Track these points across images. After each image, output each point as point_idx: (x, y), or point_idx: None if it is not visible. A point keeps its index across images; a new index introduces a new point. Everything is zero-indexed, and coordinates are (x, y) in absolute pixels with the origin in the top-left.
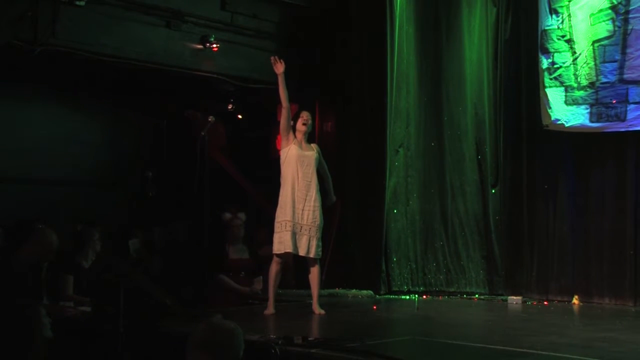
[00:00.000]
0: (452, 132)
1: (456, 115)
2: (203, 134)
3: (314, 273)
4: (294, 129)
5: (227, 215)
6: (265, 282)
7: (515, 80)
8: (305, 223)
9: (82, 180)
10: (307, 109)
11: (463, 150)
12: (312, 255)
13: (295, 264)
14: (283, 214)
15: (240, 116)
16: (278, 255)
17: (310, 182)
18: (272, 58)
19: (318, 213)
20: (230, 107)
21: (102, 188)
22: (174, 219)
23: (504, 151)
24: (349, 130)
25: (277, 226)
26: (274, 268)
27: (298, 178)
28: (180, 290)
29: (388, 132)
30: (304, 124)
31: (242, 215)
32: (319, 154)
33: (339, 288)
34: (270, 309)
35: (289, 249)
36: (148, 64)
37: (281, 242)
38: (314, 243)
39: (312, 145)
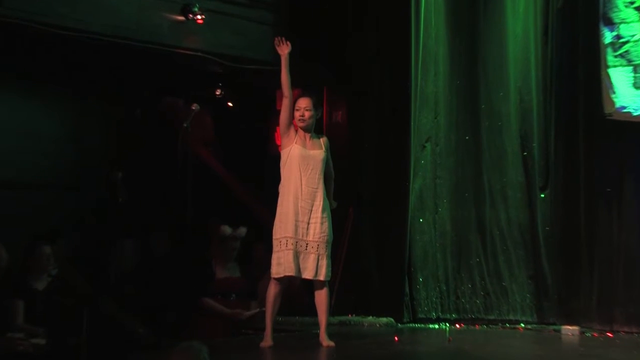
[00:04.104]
0: (491, 123)
1: (496, 103)
2: (185, 125)
3: (322, 297)
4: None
5: (227, 230)
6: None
7: (570, 59)
8: (311, 239)
9: (37, 182)
10: (313, 95)
11: (504, 146)
12: (322, 277)
13: (297, 286)
14: (283, 230)
15: (230, 104)
16: (277, 280)
17: (317, 189)
18: (276, 39)
19: (327, 226)
20: (218, 92)
21: (62, 192)
22: (150, 230)
23: (555, 146)
24: (364, 121)
25: (275, 244)
26: (271, 291)
27: (302, 185)
28: (157, 317)
29: (412, 123)
30: (301, 119)
31: (242, 231)
32: (327, 152)
33: (352, 315)
34: (267, 341)
35: (291, 272)
36: (117, 40)
37: (280, 264)
38: (323, 263)
39: (321, 139)
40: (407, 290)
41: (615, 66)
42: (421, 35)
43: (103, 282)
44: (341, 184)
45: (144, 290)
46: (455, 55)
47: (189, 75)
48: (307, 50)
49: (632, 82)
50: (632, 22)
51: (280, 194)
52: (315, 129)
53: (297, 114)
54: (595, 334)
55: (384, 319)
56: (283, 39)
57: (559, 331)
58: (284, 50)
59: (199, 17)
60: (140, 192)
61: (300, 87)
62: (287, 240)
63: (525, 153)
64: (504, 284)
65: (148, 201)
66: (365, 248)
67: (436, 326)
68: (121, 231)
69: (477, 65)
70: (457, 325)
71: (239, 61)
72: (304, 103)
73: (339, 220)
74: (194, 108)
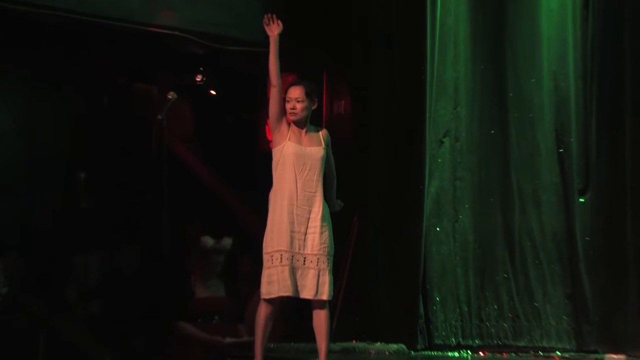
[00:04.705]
0: (520, 114)
1: (527, 90)
2: (160, 117)
3: (321, 319)
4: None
5: (209, 242)
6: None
7: (614, 39)
8: (310, 252)
9: None
10: (305, 83)
11: (537, 141)
12: (324, 297)
13: (293, 307)
14: (276, 242)
15: (213, 92)
16: (268, 301)
17: (315, 192)
18: (265, 17)
19: (327, 236)
20: (199, 78)
21: (11, 197)
22: (117, 241)
23: (597, 142)
24: (371, 113)
25: (266, 259)
26: (262, 313)
27: (297, 189)
28: (125, 342)
29: (428, 114)
30: (292, 112)
31: (227, 243)
32: (327, 148)
33: (356, 340)
34: None
35: (287, 292)
36: (80, 17)
37: (272, 283)
38: (325, 279)
39: (320, 133)
40: (421, 311)
41: None
42: (438, 11)
43: (62, 302)
44: (344, 187)
45: (109, 311)
46: (478, 35)
47: (164, 58)
48: (304, 29)
49: None
50: None
51: (272, 200)
52: (313, 121)
53: (287, 106)
54: None
55: (394, 346)
56: (273, 16)
57: None
58: (274, 30)
59: None
60: (106, 196)
61: (295, 72)
62: (280, 255)
63: (561, 150)
64: (536, 304)
65: (115, 207)
66: (372, 262)
67: (456, 354)
68: (84, 242)
69: (504, 47)
70: (481, 353)
71: (223, 41)
72: (294, 93)
73: (341, 229)
74: (170, 97)
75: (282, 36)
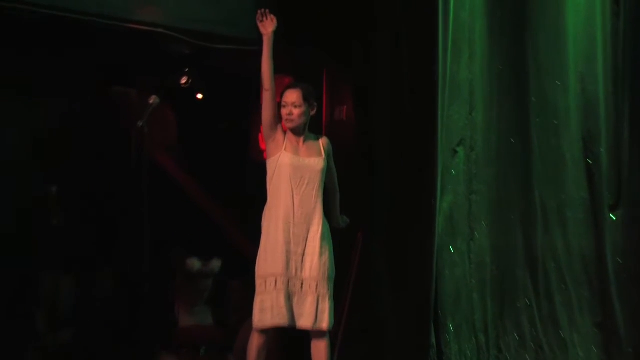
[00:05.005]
0: (543, 120)
1: (551, 94)
2: (141, 124)
3: (321, 351)
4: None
5: (195, 265)
6: None
7: None
8: (308, 276)
9: None
10: (303, 86)
11: (562, 150)
12: (324, 326)
13: (289, 338)
14: (270, 264)
15: (200, 96)
16: (262, 330)
17: (314, 209)
18: (258, 12)
19: (327, 257)
20: (184, 81)
21: None
22: (91, 262)
23: (630, 151)
24: (376, 118)
25: (259, 284)
26: (254, 343)
27: (294, 205)
28: None
29: (440, 120)
30: (288, 118)
31: (216, 266)
32: (328, 158)
33: None
34: None
35: (282, 321)
36: (51, 12)
37: (265, 310)
38: (325, 306)
39: (320, 142)
40: (433, 341)
41: None
42: (451, 5)
43: (27, 331)
44: (346, 202)
45: (81, 340)
46: (496, 32)
47: (145, 58)
48: (301, 26)
49: None
50: None
51: (265, 217)
52: (312, 128)
53: (283, 112)
54: None
55: None
56: (267, 11)
57: None
58: (268, 27)
59: None
60: (79, 212)
61: (292, 74)
62: (275, 279)
63: (589, 160)
64: (562, 333)
65: (90, 224)
66: (377, 286)
67: None
68: (54, 263)
69: (526, 45)
70: None
71: (211, 40)
72: (291, 97)
73: (343, 249)
74: (152, 102)
75: (276, 34)
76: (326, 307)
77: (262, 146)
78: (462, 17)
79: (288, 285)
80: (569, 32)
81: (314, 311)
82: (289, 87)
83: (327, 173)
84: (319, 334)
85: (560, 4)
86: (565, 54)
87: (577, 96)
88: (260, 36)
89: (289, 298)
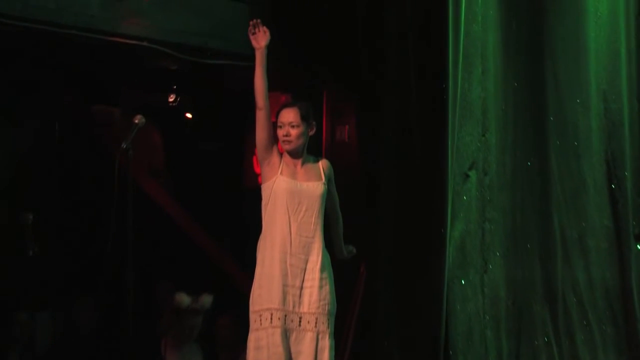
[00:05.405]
0: (563, 142)
1: (571, 113)
2: (124, 146)
3: None
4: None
5: (184, 300)
6: None
7: None
8: (307, 311)
9: None
10: (301, 105)
11: (583, 174)
12: None
13: None
14: (266, 298)
15: (189, 115)
16: None
17: (313, 238)
18: (251, 23)
19: (328, 290)
20: (172, 99)
21: None
22: (72, 296)
23: None
24: (381, 140)
25: (254, 320)
26: None
27: (291, 233)
28: None
29: (450, 142)
30: (285, 140)
31: (206, 302)
32: (328, 183)
33: None
34: None
35: (278, 359)
36: (26, 24)
37: (260, 348)
38: (325, 344)
39: (320, 164)
40: None
41: None
42: (462, 17)
43: None
44: (348, 230)
45: None
46: (511, 46)
47: (130, 74)
48: (298, 39)
49: None
50: None
51: (260, 247)
52: (311, 150)
53: (279, 133)
54: None
55: None
56: (258, 22)
57: None
58: (260, 40)
59: None
60: (58, 241)
61: (289, 91)
62: (271, 314)
63: (613, 185)
64: None
65: (69, 255)
66: (382, 322)
67: None
68: (30, 297)
69: (543, 60)
70: None
71: (200, 54)
72: (288, 116)
73: (345, 281)
74: (137, 122)
75: (270, 48)
76: (326, 345)
77: (257, 170)
78: (474, 30)
79: (285, 320)
80: (590, 47)
81: (313, 349)
82: (285, 105)
83: (327, 198)
84: None
85: (581, 16)
86: (586, 69)
87: (599, 115)
88: (252, 50)
89: (286, 335)
